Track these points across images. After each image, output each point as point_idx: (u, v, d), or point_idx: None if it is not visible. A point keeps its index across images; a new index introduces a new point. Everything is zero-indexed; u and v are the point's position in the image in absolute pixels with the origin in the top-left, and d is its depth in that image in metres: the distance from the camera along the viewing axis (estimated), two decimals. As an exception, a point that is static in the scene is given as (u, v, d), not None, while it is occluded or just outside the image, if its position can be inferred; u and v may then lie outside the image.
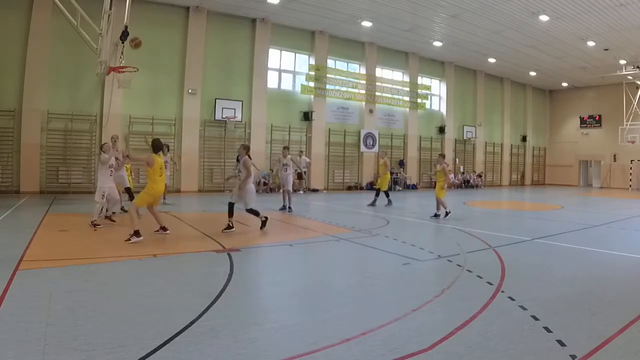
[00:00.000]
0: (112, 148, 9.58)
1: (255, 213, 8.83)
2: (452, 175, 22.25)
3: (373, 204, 14.28)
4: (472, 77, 28.90)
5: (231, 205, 8.70)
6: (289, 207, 12.47)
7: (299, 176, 19.92)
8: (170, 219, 10.48)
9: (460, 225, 10.29)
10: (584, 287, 5.26)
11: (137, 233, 7.30)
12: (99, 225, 8.63)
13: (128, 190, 10.60)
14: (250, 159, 9.37)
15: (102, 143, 10.46)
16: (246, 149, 9.04)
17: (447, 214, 11.34)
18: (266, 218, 8.98)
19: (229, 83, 19.52)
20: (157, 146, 7.93)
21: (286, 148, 13.46)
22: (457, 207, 14.71)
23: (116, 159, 9.72)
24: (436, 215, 11.45)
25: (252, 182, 8.86)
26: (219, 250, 6.91)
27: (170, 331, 3.55)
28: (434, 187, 12.20)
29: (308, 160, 20.97)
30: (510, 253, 7.14)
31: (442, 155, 12.47)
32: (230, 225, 8.58)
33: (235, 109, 19.13)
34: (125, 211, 10.43)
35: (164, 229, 8.04)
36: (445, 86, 27.26)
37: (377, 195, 14.61)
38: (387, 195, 14.61)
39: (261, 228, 8.80)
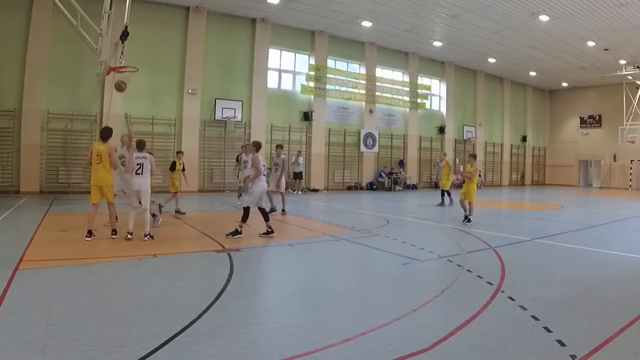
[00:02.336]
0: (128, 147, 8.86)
1: (245, 216, 8.08)
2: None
3: (442, 204, 15.26)
4: (472, 77, 28.90)
5: (247, 209, 8.13)
6: (282, 209, 11.83)
7: (296, 176, 19.89)
8: (171, 218, 10.48)
9: (460, 225, 10.29)
10: (584, 287, 5.27)
11: (88, 233, 7.37)
12: (153, 237, 7.62)
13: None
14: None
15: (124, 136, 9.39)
16: (256, 146, 8.43)
17: (466, 218, 10.57)
18: (240, 231, 7.99)
19: (229, 83, 19.52)
20: (104, 135, 7.75)
21: (279, 147, 12.28)
22: (457, 206, 14.69)
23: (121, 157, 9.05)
24: (468, 220, 10.47)
25: (262, 181, 8.26)
26: (219, 250, 6.91)
27: (170, 331, 3.55)
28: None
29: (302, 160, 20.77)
30: (510, 253, 7.14)
31: (474, 156, 11.47)
32: (238, 230, 8.02)
33: (235, 109, 19.13)
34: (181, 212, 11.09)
35: (114, 232, 7.68)
36: (445, 86, 27.25)
37: (443, 195, 15.55)
38: (449, 195, 15.19)
39: (227, 235, 7.97)
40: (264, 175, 8.39)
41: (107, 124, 16.27)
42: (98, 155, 7.52)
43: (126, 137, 9.19)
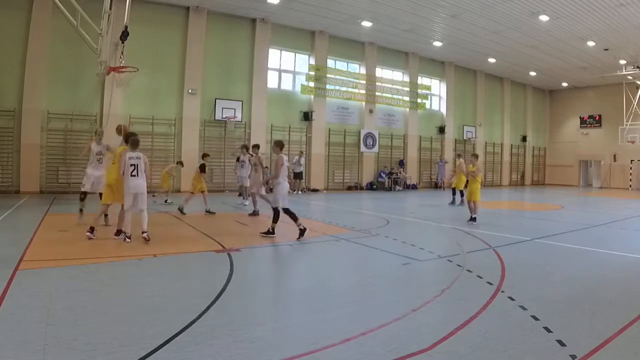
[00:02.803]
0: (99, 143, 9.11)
1: (275, 216, 8.22)
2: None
3: (453, 202, 15.58)
4: (472, 77, 28.89)
5: (285, 210, 8.23)
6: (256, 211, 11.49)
7: (296, 176, 19.87)
8: (171, 219, 10.50)
9: (460, 225, 10.29)
10: (584, 287, 5.26)
11: (90, 228, 7.42)
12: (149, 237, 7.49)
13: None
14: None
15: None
16: (280, 145, 8.53)
17: (472, 218, 10.55)
18: (304, 228, 8.06)
19: (229, 83, 19.51)
20: (125, 139, 7.80)
21: (256, 146, 12.15)
22: (457, 206, 14.73)
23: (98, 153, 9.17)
24: (472, 219, 10.50)
25: (283, 181, 8.31)
26: (219, 250, 6.91)
27: (170, 331, 3.55)
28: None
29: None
30: (510, 253, 7.14)
31: (475, 156, 11.51)
32: (272, 230, 8.21)
33: (235, 109, 19.13)
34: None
35: (118, 232, 7.59)
36: (445, 86, 27.25)
37: (454, 194, 15.83)
38: (462, 195, 15.18)
39: (261, 233, 8.28)
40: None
41: (107, 124, 16.25)
42: (114, 156, 7.79)
43: (101, 130, 9.62)
